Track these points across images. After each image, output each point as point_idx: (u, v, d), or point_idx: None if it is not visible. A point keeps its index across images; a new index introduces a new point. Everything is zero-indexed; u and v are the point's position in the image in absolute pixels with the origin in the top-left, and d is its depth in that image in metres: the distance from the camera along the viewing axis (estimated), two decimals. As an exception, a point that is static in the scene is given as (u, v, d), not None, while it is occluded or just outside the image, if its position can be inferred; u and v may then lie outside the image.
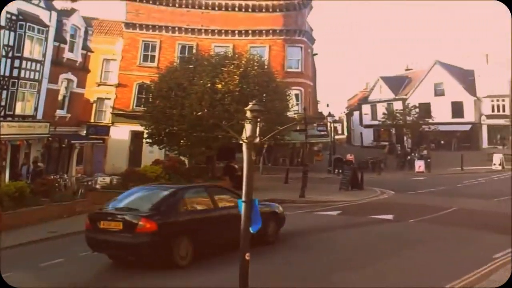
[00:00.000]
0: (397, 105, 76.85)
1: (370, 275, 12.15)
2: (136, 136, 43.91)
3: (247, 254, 7.70)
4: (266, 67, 37.59)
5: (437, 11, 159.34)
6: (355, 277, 11.83)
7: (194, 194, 14.74)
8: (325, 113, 62.40)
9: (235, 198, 13.43)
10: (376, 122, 79.25)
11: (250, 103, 8.17)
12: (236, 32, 48.24)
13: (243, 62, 34.65)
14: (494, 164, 46.95)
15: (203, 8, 48.57)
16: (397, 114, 72.42)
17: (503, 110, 68.56)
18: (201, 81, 32.32)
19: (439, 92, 74.63)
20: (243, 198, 7.86)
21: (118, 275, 12.46)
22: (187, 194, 14.25)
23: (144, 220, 12.27)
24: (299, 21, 50.06)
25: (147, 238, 12.12)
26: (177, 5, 48.68)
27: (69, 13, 36.45)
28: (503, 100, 68.50)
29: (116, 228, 12.51)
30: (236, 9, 48.51)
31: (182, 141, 33.29)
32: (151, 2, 48.52)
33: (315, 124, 51.75)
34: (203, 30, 48.38)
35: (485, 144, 70.00)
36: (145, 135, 35.97)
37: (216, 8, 48.48)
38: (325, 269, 12.64)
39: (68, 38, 35.78)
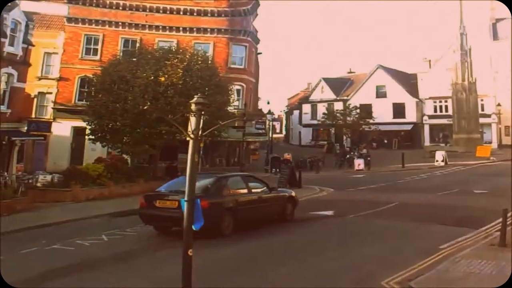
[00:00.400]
0: (338, 106, 77.95)
1: (315, 266, 12.27)
2: (78, 133, 42.95)
3: (190, 250, 7.79)
4: (210, 62, 37.59)
5: (385, 16, 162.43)
6: (299, 270, 11.92)
7: (233, 181, 18.20)
8: (265, 111, 62.63)
9: (263, 186, 18.72)
10: (315, 122, 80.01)
11: (195, 96, 8.24)
12: (181, 28, 48.01)
13: (187, 56, 34.58)
14: (437, 161, 47.69)
15: (147, 11, 48.11)
16: (338, 114, 73.32)
17: (446, 111, 70.75)
18: (144, 74, 32.08)
19: (381, 94, 76.50)
20: (186, 198, 7.97)
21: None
22: (228, 180, 17.83)
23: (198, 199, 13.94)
24: (244, 23, 50.16)
25: None
26: (120, 8, 48.11)
27: (9, 7, 35.60)
28: (445, 101, 70.55)
29: (172, 206, 15.35)
30: (181, 12, 48.26)
31: (125, 138, 32.79)
32: (94, 5, 47.79)
33: (253, 122, 51.78)
34: (147, 26, 47.93)
35: (427, 142, 71.75)
36: (88, 132, 35.23)
37: (161, 11, 48.12)
38: (269, 262, 12.75)
39: (8, 33, 34.97)
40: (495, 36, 70.38)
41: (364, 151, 54.01)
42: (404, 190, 30.08)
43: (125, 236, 16.94)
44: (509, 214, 15.55)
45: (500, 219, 14.54)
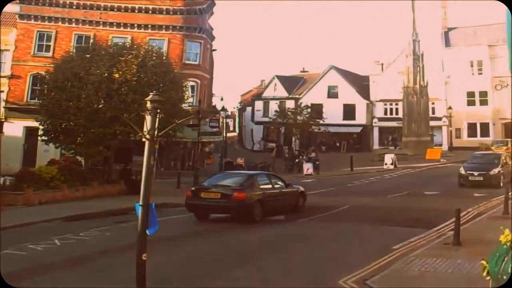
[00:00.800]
0: (290, 104, 77.52)
1: (268, 269, 12.40)
2: (30, 133, 42.02)
3: (144, 255, 7.75)
4: (164, 58, 37.26)
5: (340, 17, 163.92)
6: (252, 273, 12.04)
7: (261, 178, 21.93)
8: (219, 107, 62.27)
9: (282, 182, 22.17)
10: (267, 119, 79.72)
11: (150, 93, 8.13)
12: (136, 25, 47.54)
13: (141, 52, 34.16)
14: (386, 164, 48.07)
15: (102, 9, 47.53)
16: (289, 113, 73.12)
17: (396, 113, 71.46)
18: (98, 71, 31.54)
19: (332, 95, 76.69)
20: (140, 202, 7.91)
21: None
22: (258, 177, 21.65)
23: (237, 192, 19.51)
24: (200, 21, 50.03)
25: (238, 203, 19.28)
26: (74, 7, 47.41)
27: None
28: (396, 104, 71.24)
29: (215, 197, 19.59)
30: (136, 11, 47.83)
31: (79, 138, 32.15)
32: (47, 4, 46.96)
33: (207, 119, 51.60)
34: (101, 22, 47.35)
35: (376, 145, 72.52)
36: (40, 132, 34.25)
37: (115, 10, 47.60)
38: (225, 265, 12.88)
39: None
40: (447, 43, 72.07)
41: (313, 154, 53.53)
42: (354, 193, 30.34)
43: (79, 240, 16.66)
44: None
45: (453, 219, 14.97)
